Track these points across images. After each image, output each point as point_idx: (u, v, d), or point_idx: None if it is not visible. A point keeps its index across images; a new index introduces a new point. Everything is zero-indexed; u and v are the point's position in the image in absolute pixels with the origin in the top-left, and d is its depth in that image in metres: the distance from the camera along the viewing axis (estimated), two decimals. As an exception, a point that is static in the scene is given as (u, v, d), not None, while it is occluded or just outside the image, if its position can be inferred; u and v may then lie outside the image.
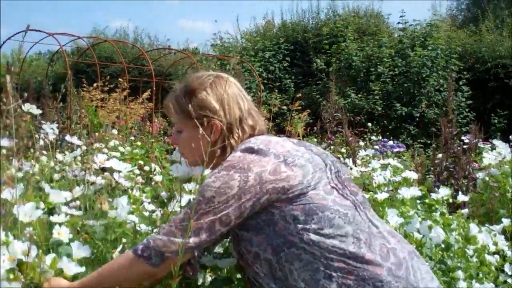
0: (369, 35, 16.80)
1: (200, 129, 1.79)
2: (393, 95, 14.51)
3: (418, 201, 2.97)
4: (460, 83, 14.48)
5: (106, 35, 22.36)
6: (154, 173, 4.05)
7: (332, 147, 6.56)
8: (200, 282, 1.96)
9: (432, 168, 5.20)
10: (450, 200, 3.16)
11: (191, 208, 1.76)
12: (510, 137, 6.05)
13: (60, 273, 1.82)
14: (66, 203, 2.28)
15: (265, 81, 15.49)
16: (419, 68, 14.27)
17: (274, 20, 19.55)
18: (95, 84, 9.76)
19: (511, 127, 13.33)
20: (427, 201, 2.93)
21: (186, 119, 1.90)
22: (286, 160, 1.78)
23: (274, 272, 1.77)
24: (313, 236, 1.72)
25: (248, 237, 1.80)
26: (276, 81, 16.18)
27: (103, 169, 2.43)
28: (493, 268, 2.75)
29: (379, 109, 14.24)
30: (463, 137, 5.73)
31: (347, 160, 5.26)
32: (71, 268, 1.82)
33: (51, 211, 2.28)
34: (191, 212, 1.75)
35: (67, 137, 2.71)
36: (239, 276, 2.03)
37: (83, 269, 1.84)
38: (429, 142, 12.07)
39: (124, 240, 2.14)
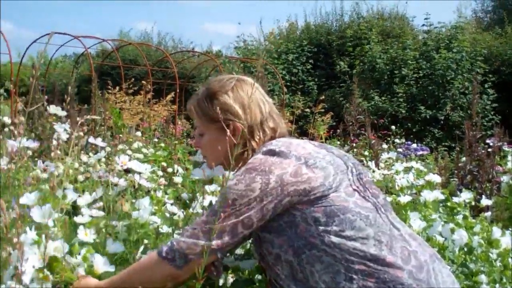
0: (393, 37, 16.72)
1: (227, 131, 1.81)
2: (417, 98, 14.41)
3: (440, 205, 2.95)
4: (486, 85, 14.33)
5: (131, 38, 22.55)
6: (177, 174, 4.08)
7: (355, 149, 6.54)
8: (221, 283, 1.97)
9: (456, 172, 5.16)
10: (473, 204, 3.13)
11: (214, 210, 1.78)
12: (536, 140, 5.98)
13: (88, 272, 1.86)
14: (90, 204, 2.31)
15: (288, 83, 15.48)
16: (443, 71, 14.15)
17: (298, 22, 19.57)
18: (119, 87, 9.85)
19: (537, 130, 13.15)
20: (449, 204, 2.90)
21: (208, 122, 1.93)
22: (307, 162, 1.79)
23: (295, 273, 1.77)
24: (334, 238, 1.72)
25: (269, 239, 1.81)
26: (299, 84, 16.16)
27: (127, 171, 2.45)
28: (516, 272, 2.72)
29: (403, 111, 14.15)
30: (487, 140, 5.68)
31: (369, 163, 5.25)
32: (100, 265, 1.86)
33: (75, 212, 2.31)
34: (213, 214, 1.76)
35: (91, 139, 2.73)
36: (260, 277, 2.04)
37: (112, 268, 1.88)
38: (453, 145, 11.96)
39: (146, 241, 2.16)
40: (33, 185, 2.53)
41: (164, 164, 4.47)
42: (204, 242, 1.74)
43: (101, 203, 2.33)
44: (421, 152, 7.92)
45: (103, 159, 3.53)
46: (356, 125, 6.68)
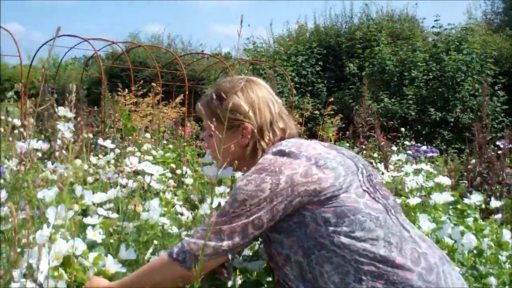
0: (403, 39, 16.68)
1: (237, 132, 1.81)
2: (427, 100, 14.37)
3: (450, 207, 2.94)
4: (496, 87, 14.27)
5: (140, 40, 22.62)
6: (186, 175, 4.08)
7: (364, 151, 6.53)
8: (230, 284, 1.97)
9: (465, 174, 5.14)
10: (483, 206, 3.12)
11: (224, 211, 1.77)
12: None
13: (99, 272, 1.87)
14: (100, 205, 2.32)
15: (298, 85, 15.48)
16: (453, 73, 14.11)
17: (307, 24, 19.57)
18: (128, 89, 9.88)
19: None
20: (459, 206, 2.89)
21: (217, 122, 1.92)
22: (318, 163, 1.78)
23: (304, 274, 1.77)
24: (344, 239, 1.71)
25: (279, 239, 1.80)
26: (309, 86, 16.16)
27: (137, 172, 2.46)
28: (526, 275, 2.70)
29: (413, 114, 14.12)
30: (497, 142, 5.65)
31: (379, 165, 5.23)
32: (111, 266, 1.88)
33: (84, 212, 2.32)
34: (223, 215, 1.77)
35: (100, 141, 2.74)
36: (268, 279, 2.04)
37: (123, 268, 1.90)
38: (463, 147, 11.92)
39: (155, 242, 2.16)
40: (42, 186, 2.54)
41: (173, 165, 4.48)
42: (214, 243, 1.74)
43: (111, 204, 2.34)
44: (430, 154, 7.89)
45: (112, 161, 3.54)
46: (366, 127, 6.67)
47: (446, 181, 3.36)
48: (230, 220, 1.75)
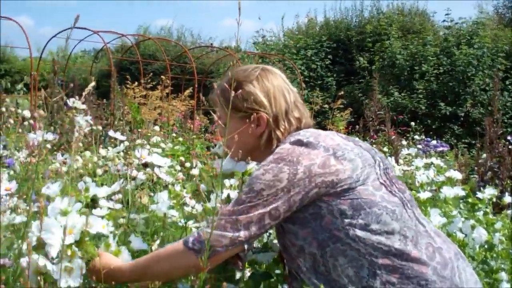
0: (413, 33, 16.61)
1: (252, 121, 1.79)
2: (438, 94, 14.31)
3: (461, 201, 2.92)
4: (507, 82, 14.20)
5: (150, 33, 22.64)
6: (195, 167, 4.08)
7: (374, 145, 6.50)
8: (238, 276, 1.96)
9: (476, 168, 5.11)
10: (494, 200, 3.10)
11: (240, 200, 1.75)
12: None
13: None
14: (108, 197, 2.31)
15: (307, 79, 15.45)
16: (464, 67, 14.04)
17: (317, 18, 19.52)
18: (138, 81, 9.89)
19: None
20: (470, 200, 2.87)
21: (232, 111, 1.88)
22: (336, 154, 1.76)
23: (317, 266, 1.76)
24: (359, 232, 1.69)
25: (294, 230, 1.78)
26: (318, 79, 16.13)
27: (145, 165, 2.45)
28: (538, 270, 2.68)
29: (423, 108, 14.07)
30: (508, 137, 5.62)
31: (389, 158, 5.21)
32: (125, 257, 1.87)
33: (94, 204, 2.32)
34: (239, 204, 1.74)
35: (110, 132, 2.74)
36: (278, 271, 2.03)
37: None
38: (473, 142, 11.87)
39: (162, 233, 2.16)
40: (52, 178, 2.54)
41: (182, 158, 4.48)
42: (231, 234, 1.72)
43: (119, 196, 2.33)
44: (441, 149, 7.86)
45: (122, 153, 3.54)
46: (376, 121, 6.64)
47: (457, 175, 3.34)
48: (246, 209, 1.73)
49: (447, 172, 3.41)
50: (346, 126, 9.39)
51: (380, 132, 6.90)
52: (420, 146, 7.89)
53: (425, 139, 8.81)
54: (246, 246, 1.80)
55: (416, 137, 9.26)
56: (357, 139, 1.98)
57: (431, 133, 12.30)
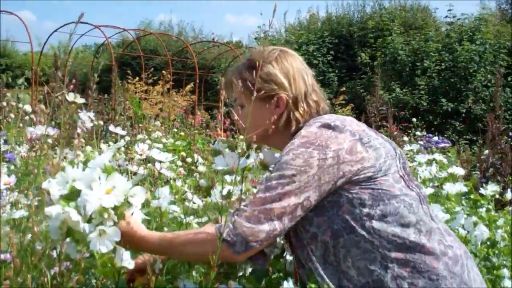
0: (415, 29, 16.59)
1: (276, 102, 1.77)
2: (439, 90, 14.29)
3: (463, 197, 2.91)
4: (509, 78, 14.17)
5: (152, 28, 22.62)
6: (197, 164, 4.07)
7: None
8: (240, 273, 1.95)
9: (478, 165, 5.10)
10: (497, 197, 3.08)
11: (271, 187, 1.70)
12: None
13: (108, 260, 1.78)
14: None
15: (309, 75, 15.41)
16: (466, 63, 14.02)
17: (319, 13, 19.50)
18: (139, 77, 9.89)
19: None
20: (472, 196, 2.86)
21: (250, 92, 1.81)
22: (362, 139, 1.74)
23: (327, 256, 1.73)
24: (376, 223, 1.68)
25: (309, 216, 1.74)
26: (320, 75, 16.10)
27: (147, 160, 2.44)
28: (540, 267, 2.67)
29: (425, 104, 14.05)
30: (510, 133, 5.60)
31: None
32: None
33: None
34: (270, 190, 1.69)
35: (111, 127, 2.73)
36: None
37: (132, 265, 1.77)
38: (475, 138, 11.85)
39: (165, 229, 2.15)
40: (52, 173, 2.53)
41: (183, 154, 4.47)
42: (268, 228, 1.66)
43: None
44: (442, 145, 7.83)
45: (123, 148, 3.53)
46: (378, 116, 6.63)
47: (459, 171, 3.33)
48: (278, 197, 1.68)
49: (450, 169, 3.40)
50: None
51: (382, 128, 6.89)
52: (421, 142, 7.86)
53: (427, 135, 8.79)
54: (277, 240, 1.76)
55: (418, 133, 9.24)
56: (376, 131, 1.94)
57: (432, 129, 12.27)
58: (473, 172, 5.10)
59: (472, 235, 2.53)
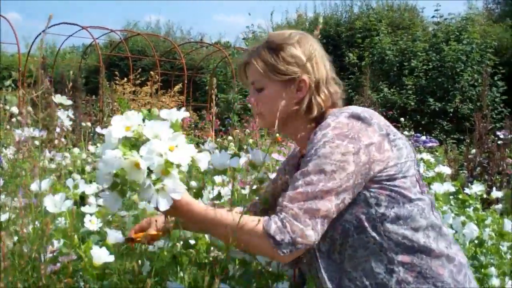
0: (403, 29, 16.66)
1: (298, 84, 1.73)
2: (427, 90, 14.35)
3: (451, 197, 2.93)
4: (495, 78, 14.25)
5: (139, 28, 22.56)
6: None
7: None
8: (231, 273, 1.94)
9: (465, 164, 5.12)
10: (484, 196, 3.10)
11: (311, 183, 1.59)
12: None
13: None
14: (97, 194, 2.30)
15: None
16: (453, 63, 14.08)
17: (307, 13, 19.55)
18: (127, 78, 9.86)
19: (547, 123, 13.07)
20: (460, 196, 2.88)
21: (272, 74, 1.77)
22: (389, 135, 1.69)
23: (331, 252, 1.69)
24: (388, 225, 1.64)
25: None
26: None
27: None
28: (527, 265, 2.69)
29: (412, 104, 14.11)
30: (497, 133, 5.64)
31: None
32: (101, 256, 1.76)
33: (83, 202, 2.30)
34: (310, 184, 1.59)
35: (98, 129, 2.72)
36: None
37: (112, 257, 1.75)
38: (462, 137, 11.92)
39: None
40: (39, 175, 2.52)
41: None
42: (313, 233, 1.56)
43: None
44: (430, 144, 7.87)
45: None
46: (365, 116, 6.64)
47: (446, 170, 3.35)
48: (321, 195, 1.58)
49: (437, 168, 3.41)
50: (336, 122, 9.39)
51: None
52: (409, 142, 7.89)
53: (415, 134, 8.82)
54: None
55: (406, 133, 9.27)
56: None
57: (420, 128, 12.33)
58: (461, 171, 5.12)
59: (460, 234, 2.54)
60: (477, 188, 2.95)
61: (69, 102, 2.13)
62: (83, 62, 11.45)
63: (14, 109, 4.09)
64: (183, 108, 1.63)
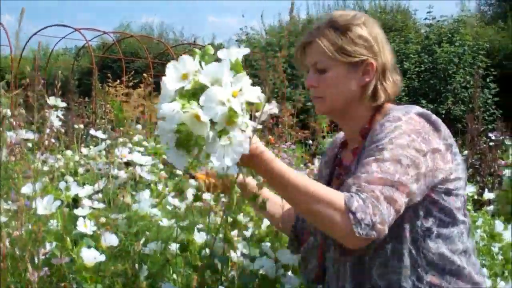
0: (395, 31, 16.70)
1: (365, 68, 1.63)
2: (419, 92, 14.40)
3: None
4: (487, 79, 14.30)
5: (132, 30, 22.53)
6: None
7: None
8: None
9: (457, 165, 5.13)
10: (476, 197, 3.12)
11: (388, 172, 1.46)
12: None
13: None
14: (89, 196, 2.30)
15: (290, 77, 15.45)
16: (445, 65, 14.14)
17: (300, 15, 19.56)
18: (120, 79, 9.84)
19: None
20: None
21: (338, 55, 1.64)
22: (452, 146, 1.59)
23: (363, 255, 1.59)
24: (429, 241, 1.55)
25: None
26: (301, 77, 16.13)
27: (128, 164, 2.43)
28: (518, 266, 2.70)
29: (405, 105, 14.14)
30: (489, 134, 5.66)
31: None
32: (92, 256, 1.75)
33: (75, 204, 2.30)
34: (388, 173, 1.46)
35: (92, 131, 2.72)
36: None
37: (103, 257, 1.75)
38: (454, 139, 11.95)
39: (147, 233, 2.14)
40: (32, 178, 2.52)
41: (165, 157, 4.45)
42: (389, 222, 1.43)
43: (100, 195, 2.31)
44: (422, 146, 7.90)
45: (104, 152, 3.52)
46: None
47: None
48: (396, 186, 1.44)
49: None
50: (329, 124, 9.39)
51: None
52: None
53: (407, 136, 8.84)
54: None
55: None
56: None
57: (413, 130, 12.35)
58: (453, 173, 5.13)
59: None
60: (469, 189, 2.96)
61: (63, 104, 2.13)
62: (76, 64, 11.42)
63: (7, 111, 4.08)
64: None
